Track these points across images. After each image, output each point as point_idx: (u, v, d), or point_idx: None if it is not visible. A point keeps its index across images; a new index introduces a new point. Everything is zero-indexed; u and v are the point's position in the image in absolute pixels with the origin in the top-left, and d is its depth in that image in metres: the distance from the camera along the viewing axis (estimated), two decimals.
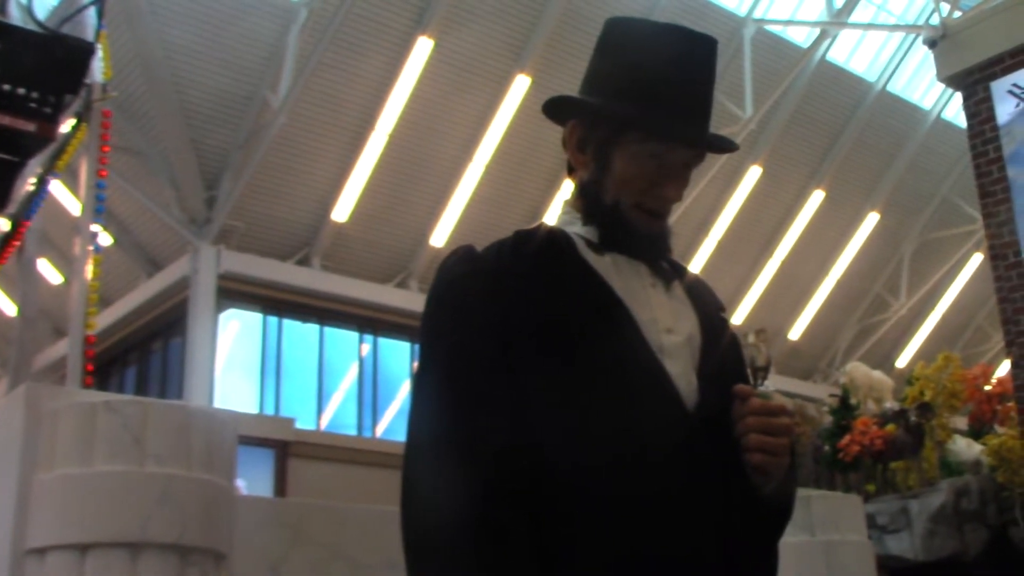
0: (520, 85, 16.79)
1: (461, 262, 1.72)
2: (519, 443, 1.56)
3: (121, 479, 3.01)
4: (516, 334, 1.62)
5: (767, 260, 20.97)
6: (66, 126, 9.49)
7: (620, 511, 1.55)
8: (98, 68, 9.49)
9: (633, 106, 1.71)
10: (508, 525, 1.51)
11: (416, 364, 1.70)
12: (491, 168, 17.36)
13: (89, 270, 9.13)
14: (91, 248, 9.28)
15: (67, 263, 16.45)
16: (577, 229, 1.77)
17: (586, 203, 1.78)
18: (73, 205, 14.91)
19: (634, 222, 1.74)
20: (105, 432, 3.03)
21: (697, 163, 1.79)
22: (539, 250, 1.72)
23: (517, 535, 1.51)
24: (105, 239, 15.53)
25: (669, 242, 1.79)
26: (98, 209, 9.51)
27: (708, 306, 1.81)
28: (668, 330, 1.69)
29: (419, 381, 1.68)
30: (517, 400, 1.59)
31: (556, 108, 1.81)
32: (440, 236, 17.63)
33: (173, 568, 2.98)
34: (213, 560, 3.12)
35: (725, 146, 1.82)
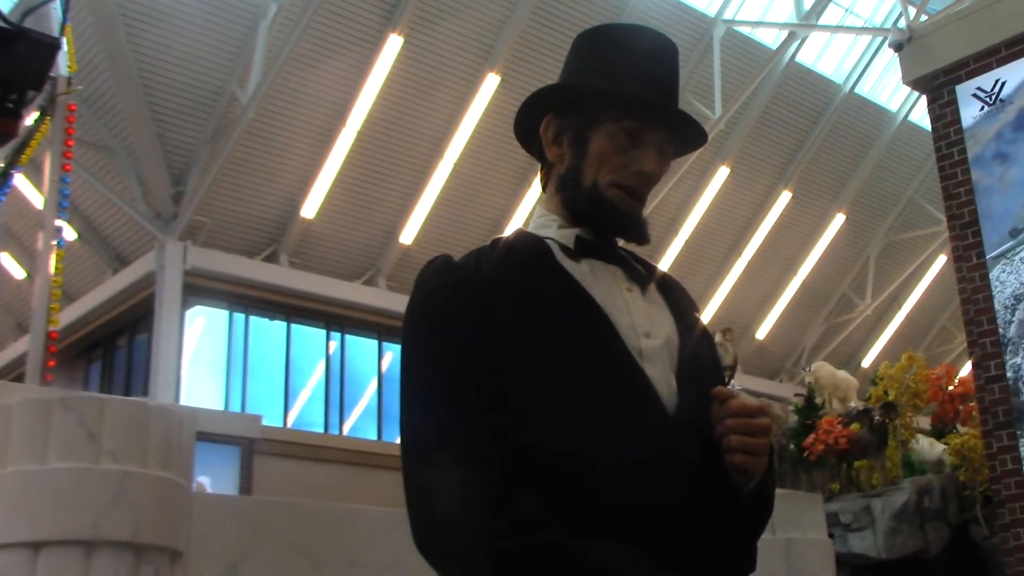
0: (490, 84, 16.79)
1: (439, 272, 1.72)
2: (502, 451, 1.57)
3: (75, 476, 2.97)
4: (496, 343, 1.63)
5: (734, 260, 21.07)
6: (30, 120, 9.40)
7: (603, 515, 1.56)
8: (63, 62, 9.40)
9: (608, 85, 1.74)
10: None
11: (400, 377, 1.70)
12: (460, 166, 17.35)
13: (52, 265, 9.04)
14: (54, 243, 9.19)
15: (30, 258, 16.32)
16: (552, 233, 1.77)
17: (565, 195, 1.78)
18: (37, 199, 14.77)
19: (613, 200, 1.74)
20: (60, 428, 2.99)
21: (670, 152, 1.80)
22: (516, 258, 1.72)
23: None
24: (70, 234, 15.43)
25: (647, 229, 1.80)
26: (62, 204, 9.42)
27: (683, 307, 1.82)
28: (646, 334, 1.70)
29: (403, 392, 1.68)
30: (500, 408, 1.60)
31: (531, 107, 1.82)
32: (409, 234, 17.60)
33: (127, 566, 2.94)
34: (168, 558, 3.09)
35: (695, 136, 1.82)
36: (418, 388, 1.67)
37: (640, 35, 1.80)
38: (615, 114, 1.73)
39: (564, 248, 1.74)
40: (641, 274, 1.79)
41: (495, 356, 1.62)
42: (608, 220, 1.75)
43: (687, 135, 1.82)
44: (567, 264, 1.72)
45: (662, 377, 1.67)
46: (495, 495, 1.53)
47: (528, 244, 1.76)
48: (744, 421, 1.65)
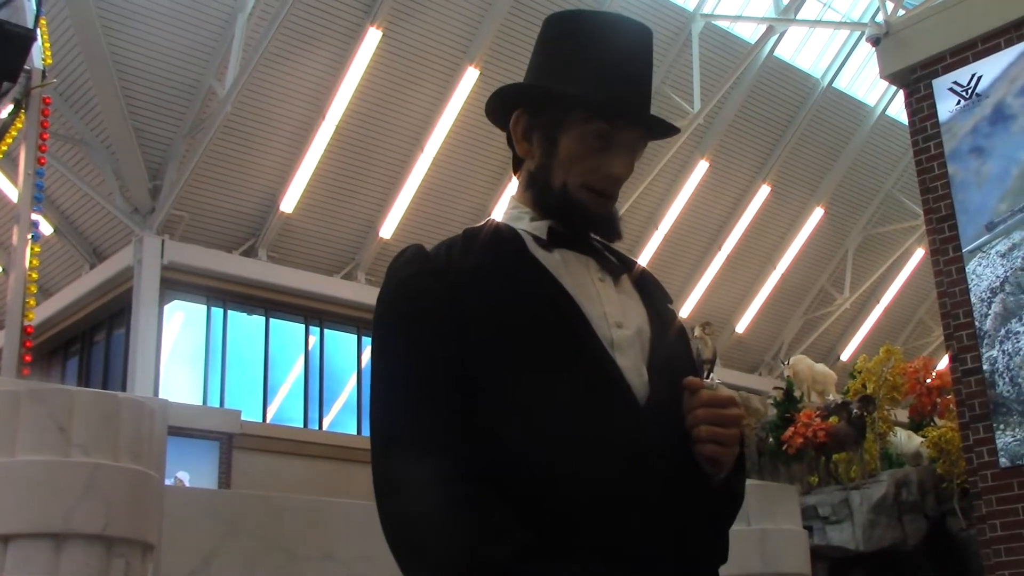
0: (469, 77, 16.76)
1: (411, 262, 1.71)
2: (475, 442, 1.57)
3: (45, 468, 2.94)
4: (468, 333, 1.62)
5: (714, 254, 21.12)
6: (4, 112, 9.33)
7: (575, 505, 1.55)
8: (37, 55, 9.33)
9: (577, 86, 1.72)
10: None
11: (370, 367, 1.69)
12: (439, 160, 17.32)
13: (27, 259, 8.97)
14: (30, 237, 9.12)
15: (5, 252, 16.21)
16: (524, 225, 1.76)
17: (535, 192, 1.77)
18: (12, 193, 14.66)
19: (583, 202, 1.73)
20: (29, 421, 2.96)
21: (641, 147, 1.79)
22: (489, 248, 1.72)
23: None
24: (46, 228, 15.34)
25: (619, 226, 1.79)
26: (37, 197, 9.35)
27: (656, 299, 1.81)
28: (618, 324, 1.69)
29: (374, 383, 1.67)
30: (472, 398, 1.59)
31: (500, 100, 1.81)
32: (388, 228, 17.56)
33: (98, 559, 2.91)
34: (140, 551, 3.06)
35: (667, 129, 1.80)
36: (389, 379, 1.66)
37: (612, 26, 1.78)
38: (584, 116, 1.71)
39: (536, 239, 1.74)
40: (614, 264, 1.78)
41: (466, 346, 1.61)
42: (578, 221, 1.75)
43: (658, 127, 1.81)
44: (539, 254, 1.71)
45: (633, 368, 1.66)
46: (461, 495, 1.53)
47: (501, 234, 1.75)
48: (715, 411, 1.65)
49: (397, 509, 1.57)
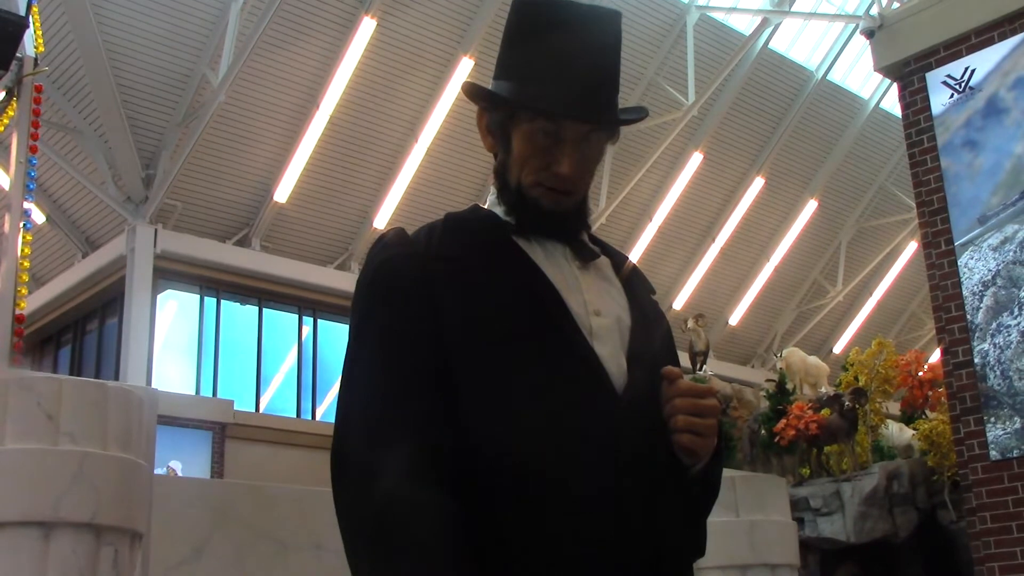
0: (464, 67, 16.73)
1: (391, 245, 1.71)
2: (449, 428, 1.56)
3: (33, 457, 2.94)
4: (447, 318, 1.62)
5: (707, 246, 21.13)
6: None
7: (550, 495, 1.55)
8: (29, 42, 9.29)
9: (524, 86, 1.70)
10: (431, 506, 1.51)
11: (346, 351, 1.68)
12: (434, 150, 17.29)
13: (19, 248, 8.94)
14: (22, 225, 9.09)
15: None
16: (501, 212, 1.76)
17: (498, 186, 1.78)
18: (4, 181, 14.63)
19: (537, 201, 1.73)
20: (17, 409, 2.96)
21: (603, 138, 1.76)
22: (470, 234, 1.72)
23: (441, 515, 1.51)
24: (39, 216, 15.30)
25: (580, 220, 1.78)
26: (29, 186, 9.31)
27: (637, 288, 1.81)
28: (596, 312, 1.69)
29: (348, 365, 1.66)
30: (448, 385, 1.59)
31: (469, 95, 1.81)
32: (383, 218, 17.53)
33: (87, 547, 2.92)
34: (129, 540, 3.06)
35: (625, 118, 1.77)
36: (363, 363, 1.65)
37: (574, 16, 1.74)
38: (529, 115, 1.71)
39: (513, 226, 1.74)
40: (592, 251, 1.78)
41: (444, 331, 1.61)
42: (534, 220, 1.73)
43: (610, 118, 1.76)
44: (520, 241, 1.72)
45: (612, 356, 1.66)
46: (438, 485, 1.51)
47: (481, 220, 1.76)
48: (692, 401, 1.65)
49: (368, 497, 1.54)
